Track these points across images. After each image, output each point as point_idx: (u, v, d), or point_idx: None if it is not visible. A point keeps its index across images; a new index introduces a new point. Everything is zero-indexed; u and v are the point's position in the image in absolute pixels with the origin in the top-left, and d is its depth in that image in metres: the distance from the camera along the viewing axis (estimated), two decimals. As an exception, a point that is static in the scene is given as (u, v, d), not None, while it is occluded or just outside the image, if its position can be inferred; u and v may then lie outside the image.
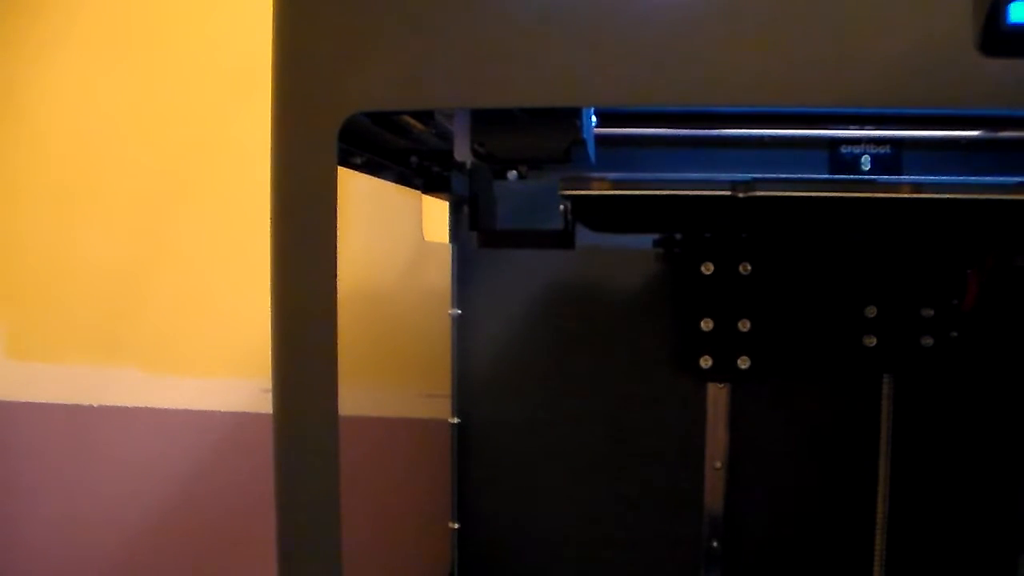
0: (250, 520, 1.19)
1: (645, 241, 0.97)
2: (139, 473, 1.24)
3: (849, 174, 0.90)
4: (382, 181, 0.89)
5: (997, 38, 0.47)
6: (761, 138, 0.92)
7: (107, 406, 1.25)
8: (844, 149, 0.90)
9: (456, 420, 1.02)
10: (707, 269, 0.94)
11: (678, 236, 0.94)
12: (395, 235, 1.14)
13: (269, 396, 0.54)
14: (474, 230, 0.82)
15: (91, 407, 1.25)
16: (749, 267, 0.93)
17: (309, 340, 0.53)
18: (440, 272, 1.03)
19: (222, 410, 1.22)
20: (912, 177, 0.87)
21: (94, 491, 1.25)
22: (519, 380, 1.01)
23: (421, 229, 1.10)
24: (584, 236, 0.83)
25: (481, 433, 1.02)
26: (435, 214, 1.06)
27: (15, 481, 1.27)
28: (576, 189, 0.71)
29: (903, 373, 0.93)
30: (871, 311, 0.92)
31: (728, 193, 0.69)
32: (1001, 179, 0.69)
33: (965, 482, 0.95)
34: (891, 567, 0.96)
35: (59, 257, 1.25)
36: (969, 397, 0.94)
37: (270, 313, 0.54)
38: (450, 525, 1.02)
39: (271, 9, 0.53)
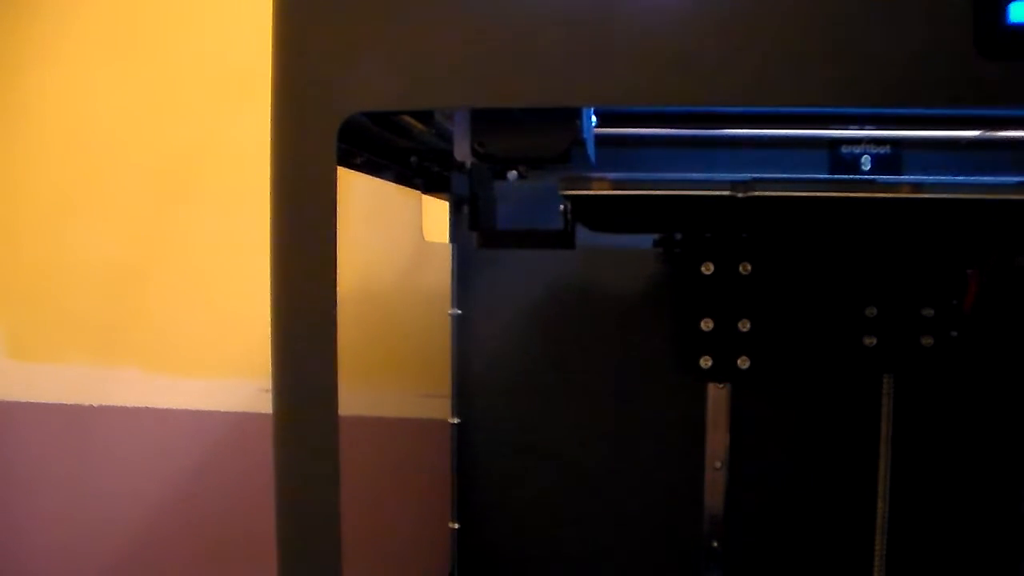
0: (250, 520, 1.19)
1: (645, 241, 0.97)
2: (139, 473, 1.24)
3: (849, 174, 0.90)
4: (382, 181, 0.89)
5: (997, 38, 0.47)
6: (761, 138, 0.92)
7: (107, 406, 1.25)
8: (844, 149, 0.90)
9: (456, 420, 1.02)
10: (707, 269, 0.94)
11: (678, 236, 0.94)
12: (395, 235, 1.14)
13: (269, 396, 0.54)
14: (474, 230, 0.82)
15: (91, 407, 1.25)
16: (749, 267, 0.93)
17: (309, 340, 0.53)
18: (440, 272, 1.03)
19: (222, 410, 1.22)
20: (912, 177, 0.87)
21: (94, 491, 1.25)
22: (519, 380, 1.01)
23: (421, 229, 1.10)
24: (584, 236, 0.83)
25: (481, 433, 1.02)
26: (435, 214, 1.06)
27: (15, 481, 1.27)
28: (576, 189, 0.71)
29: (903, 373, 0.93)
30: (871, 311, 0.91)
31: (728, 193, 0.69)
32: (1001, 179, 0.69)
33: (966, 482, 0.95)
34: (891, 568, 0.96)
35: (59, 257, 1.25)
36: (969, 397, 0.94)
37: (270, 313, 0.54)
38: (450, 525, 1.02)
39: (271, 9, 0.53)
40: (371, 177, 0.84)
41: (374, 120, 0.66)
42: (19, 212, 1.25)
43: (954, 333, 0.90)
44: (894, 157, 0.89)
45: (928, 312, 0.91)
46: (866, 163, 0.89)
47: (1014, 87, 0.47)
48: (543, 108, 0.56)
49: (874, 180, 0.86)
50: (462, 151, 0.61)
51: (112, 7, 1.22)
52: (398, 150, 0.83)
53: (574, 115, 0.60)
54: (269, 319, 0.54)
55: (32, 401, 1.26)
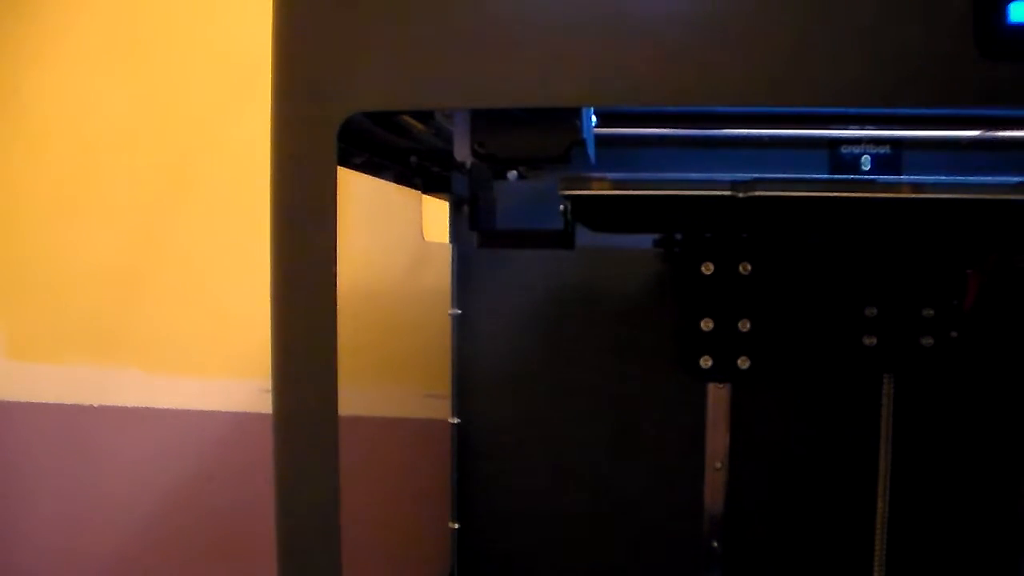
0: (250, 520, 1.19)
1: (645, 241, 0.97)
2: (139, 473, 1.24)
3: (849, 174, 0.90)
4: (382, 181, 0.89)
5: (997, 38, 0.47)
6: (761, 138, 0.92)
7: (107, 406, 1.25)
8: (844, 149, 0.90)
9: (456, 420, 1.02)
10: (707, 269, 0.94)
11: (678, 236, 0.95)
12: (395, 235, 1.14)
13: (269, 396, 0.54)
14: (474, 230, 0.82)
15: (91, 407, 1.25)
16: (749, 267, 0.93)
17: (309, 340, 0.53)
18: (440, 272, 1.03)
19: (222, 410, 1.22)
20: (912, 177, 0.87)
21: (94, 491, 1.25)
22: (519, 380, 1.01)
23: (421, 229, 1.10)
24: (584, 236, 0.83)
25: (481, 433, 1.02)
26: (435, 214, 1.06)
27: (15, 481, 1.27)
28: (576, 189, 0.71)
29: (903, 373, 0.93)
30: (871, 311, 0.92)
31: (728, 193, 0.69)
32: (1001, 179, 0.69)
33: (965, 482, 0.95)
34: (891, 568, 0.96)
35: (59, 257, 1.25)
36: (969, 397, 0.94)
37: (270, 313, 0.54)
38: (450, 525, 1.02)
39: (271, 9, 0.53)
40: (371, 177, 0.84)
41: (374, 120, 0.66)
42: (19, 212, 1.25)
43: (954, 333, 0.91)
44: (894, 157, 0.89)
45: (928, 312, 0.91)
46: (866, 163, 0.89)
47: (1014, 87, 0.47)
48: (543, 108, 0.56)
49: (874, 180, 0.86)
50: (462, 151, 0.61)
51: (112, 7, 1.22)
52: (398, 150, 0.83)
53: (574, 115, 0.60)
54: (269, 319, 0.54)
55: (32, 401, 1.26)
